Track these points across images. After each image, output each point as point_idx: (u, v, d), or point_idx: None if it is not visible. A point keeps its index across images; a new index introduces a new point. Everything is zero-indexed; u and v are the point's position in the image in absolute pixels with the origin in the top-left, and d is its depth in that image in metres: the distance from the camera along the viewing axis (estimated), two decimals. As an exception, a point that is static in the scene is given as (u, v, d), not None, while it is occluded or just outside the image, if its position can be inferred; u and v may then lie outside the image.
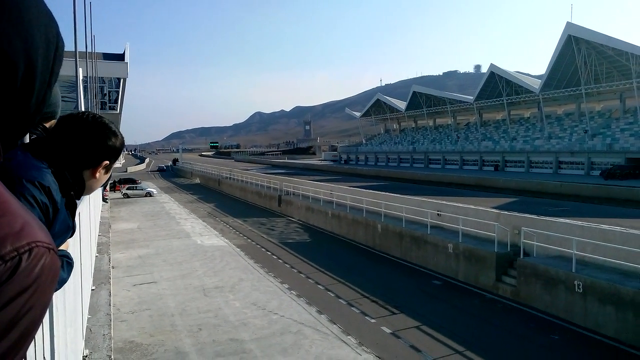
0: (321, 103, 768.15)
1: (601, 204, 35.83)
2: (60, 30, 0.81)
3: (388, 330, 13.85)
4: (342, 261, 22.51)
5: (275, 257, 23.14)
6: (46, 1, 0.78)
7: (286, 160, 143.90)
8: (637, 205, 34.44)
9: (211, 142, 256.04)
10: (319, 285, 18.36)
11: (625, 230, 15.49)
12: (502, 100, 75.01)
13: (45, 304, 0.68)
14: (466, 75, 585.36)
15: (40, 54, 0.74)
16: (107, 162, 1.57)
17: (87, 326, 7.72)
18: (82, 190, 1.54)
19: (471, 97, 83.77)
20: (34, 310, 0.64)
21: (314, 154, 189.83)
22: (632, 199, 37.14)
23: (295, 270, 20.60)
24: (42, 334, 2.99)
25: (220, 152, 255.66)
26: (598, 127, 63.42)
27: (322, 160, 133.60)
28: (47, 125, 2.77)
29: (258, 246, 25.64)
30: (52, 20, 0.78)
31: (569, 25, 60.76)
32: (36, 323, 0.66)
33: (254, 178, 50.93)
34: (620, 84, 59.49)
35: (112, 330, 8.05)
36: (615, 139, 57.86)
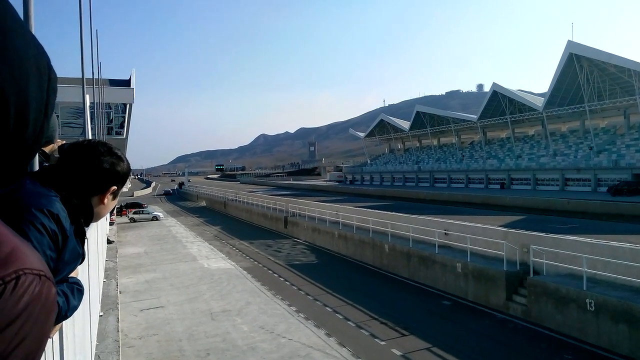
0: (325, 124, 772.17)
1: (609, 221, 35.48)
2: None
3: (398, 353, 13.65)
4: (349, 282, 22.32)
5: (282, 279, 22.99)
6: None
7: (291, 182, 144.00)
8: (646, 221, 34.08)
9: (217, 165, 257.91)
10: (327, 307, 18.19)
11: (635, 247, 15.31)
12: (506, 119, 75.10)
13: (42, 334, 0.64)
14: (469, 94, 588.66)
15: (32, 84, 0.73)
16: (115, 187, 1.58)
17: (95, 353, 7.66)
18: (90, 217, 1.55)
19: (475, 116, 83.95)
20: (27, 341, 0.60)
21: (319, 174, 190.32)
22: (641, 215, 36.78)
23: (303, 292, 20.43)
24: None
25: (226, 175, 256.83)
26: (603, 143, 63.30)
27: (327, 181, 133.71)
28: (47, 150, 2.77)
29: (265, 268, 25.51)
30: (41, 52, 0.77)
31: (570, 43, 61.11)
32: (33, 354, 0.63)
33: (259, 200, 50.95)
34: (623, 100, 59.48)
35: (120, 357, 7.97)
36: (621, 155, 57.66)
